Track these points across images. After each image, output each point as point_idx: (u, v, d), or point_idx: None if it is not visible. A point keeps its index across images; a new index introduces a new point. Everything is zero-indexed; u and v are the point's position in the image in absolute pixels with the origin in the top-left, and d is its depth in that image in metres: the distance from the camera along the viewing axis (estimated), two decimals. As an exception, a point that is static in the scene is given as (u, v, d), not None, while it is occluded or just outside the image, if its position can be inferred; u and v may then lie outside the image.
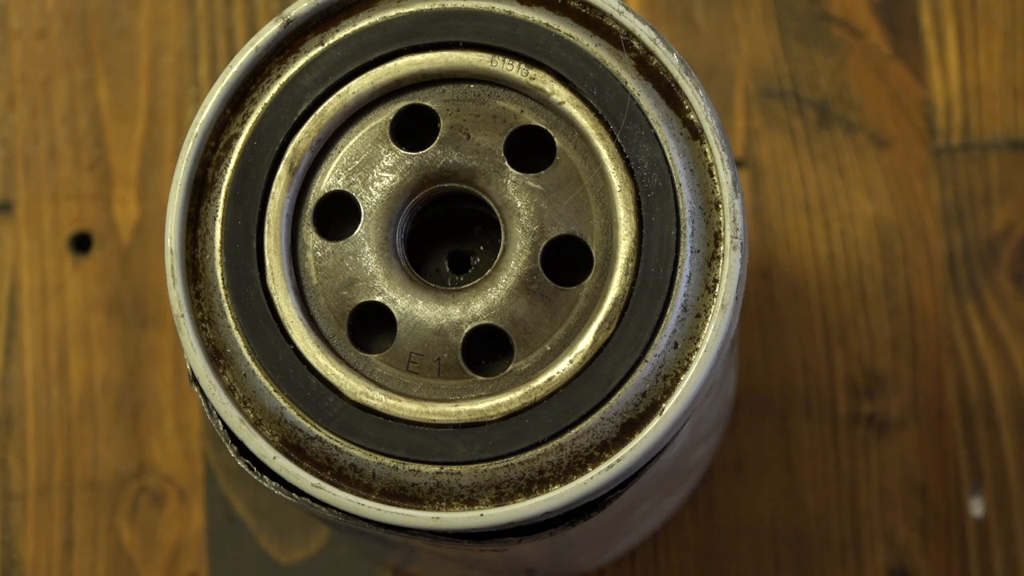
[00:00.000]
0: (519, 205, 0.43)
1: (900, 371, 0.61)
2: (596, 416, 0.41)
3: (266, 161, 0.43)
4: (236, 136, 0.43)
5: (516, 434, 0.41)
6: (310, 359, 0.42)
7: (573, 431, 0.41)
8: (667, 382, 0.41)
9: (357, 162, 0.43)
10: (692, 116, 0.42)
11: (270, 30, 0.43)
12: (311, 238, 0.43)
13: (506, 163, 0.43)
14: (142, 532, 0.61)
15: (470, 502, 0.41)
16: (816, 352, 0.62)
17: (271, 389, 0.42)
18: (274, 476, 0.41)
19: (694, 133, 0.42)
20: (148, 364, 0.62)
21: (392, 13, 0.44)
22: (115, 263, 0.63)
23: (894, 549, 0.60)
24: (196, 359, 0.42)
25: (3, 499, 0.62)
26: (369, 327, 0.43)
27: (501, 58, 0.43)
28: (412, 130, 0.44)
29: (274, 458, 0.41)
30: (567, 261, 0.43)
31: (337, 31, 0.44)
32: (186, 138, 0.43)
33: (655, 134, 0.42)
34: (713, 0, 0.64)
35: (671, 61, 0.43)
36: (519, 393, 0.41)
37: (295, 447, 0.41)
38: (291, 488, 0.41)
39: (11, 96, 0.65)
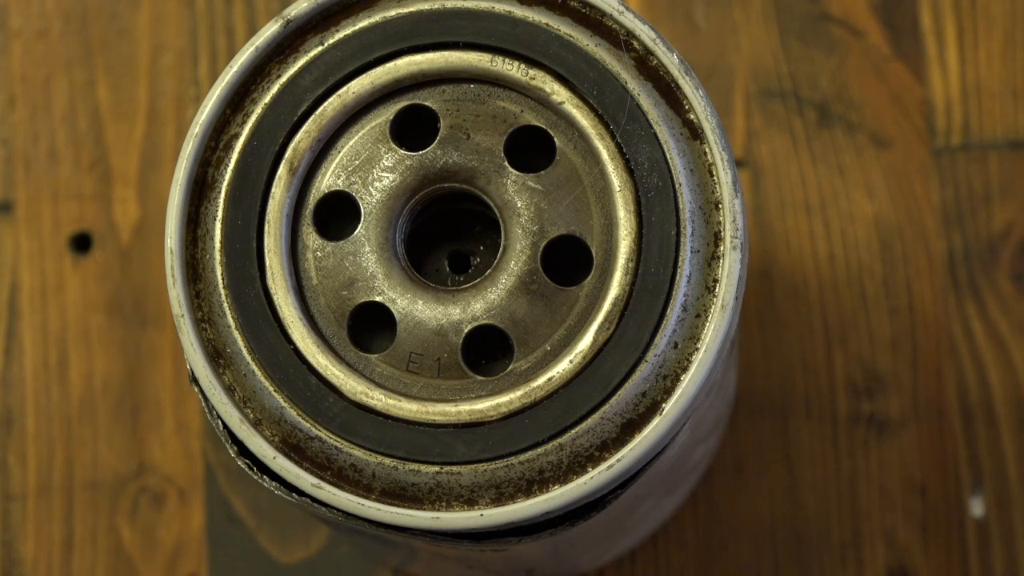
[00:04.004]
0: (519, 205, 0.43)
1: (900, 371, 0.61)
2: (596, 416, 0.41)
3: (266, 161, 0.43)
4: (236, 136, 0.43)
5: (516, 434, 0.41)
6: (310, 359, 0.42)
7: (573, 431, 0.41)
8: (667, 382, 0.41)
9: (357, 162, 0.43)
10: (692, 116, 0.42)
11: (270, 30, 0.43)
12: (311, 238, 0.43)
13: (506, 163, 0.43)
14: (142, 532, 0.61)
15: (470, 502, 0.41)
16: (816, 352, 0.62)
17: (271, 389, 0.42)
18: (274, 476, 0.41)
19: (694, 133, 0.42)
20: (148, 364, 0.62)
21: (392, 13, 0.44)
22: (115, 263, 0.63)
23: (894, 549, 0.60)
24: (196, 359, 0.42)
25: (3, 499, 0.62)
26: (369, 327, 0.43)
27: (501, 58, 0.43)
28: (412, 130, 0.44)
29: (274, 458, 0.41)
30: (567, 261, 0.43)
31: (337, 31, 0.44)
32: (186, 138, 0.43)
33: (655, 134, 0.42)
34: (713, 0, 0.64)
35: (671, 61, 0.43)
36: (519, 393, 0.41)
37: (295, 447, 0.41)
38: (291, 488, 0.41)
39: (11, 96, 0.65)
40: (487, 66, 0.43)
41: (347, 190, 0.43)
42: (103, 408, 0.62)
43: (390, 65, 0.43)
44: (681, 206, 0.42)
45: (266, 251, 0.42)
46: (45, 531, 0.61)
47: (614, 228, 0.42)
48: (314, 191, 0.43)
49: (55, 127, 0.64)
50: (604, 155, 0.42)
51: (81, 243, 0.64)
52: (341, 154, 0.44)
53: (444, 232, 0.46)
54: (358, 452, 0.41)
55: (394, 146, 0.43)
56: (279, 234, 0.43)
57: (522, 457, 0.41)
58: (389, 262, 0.43)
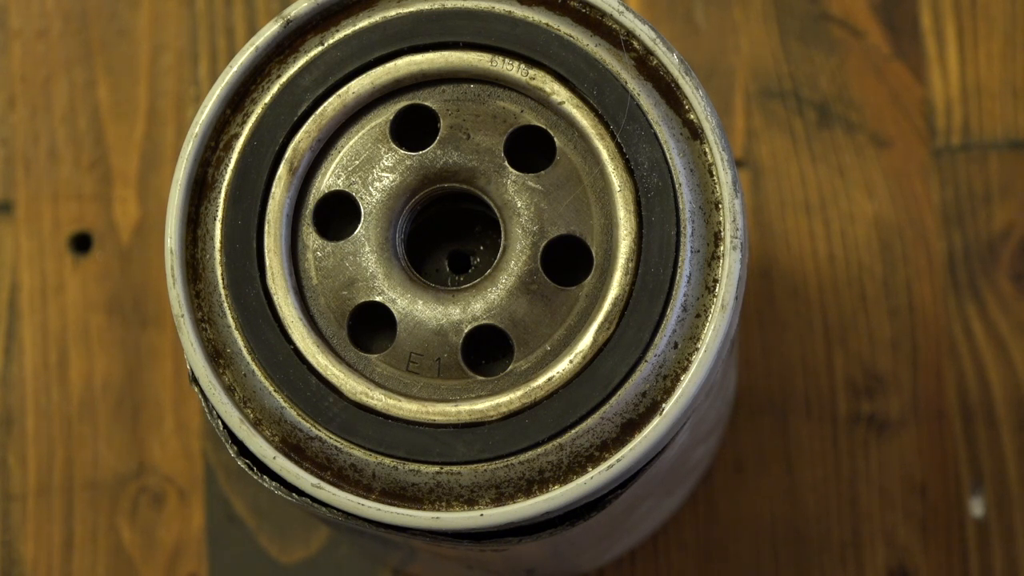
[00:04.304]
0: (519, 205, 0.43)
1: (900, 371, 0.61)
2: (596, 416, 0.41)
3: (266, 161, 0.43)
4: (236, 136, 0.43)
5: (516, 434, 0.41)
6: (310, 359, 0.42)
7: (573, 431, 0.41)
8: (667, 382, 0.41)
9: (357, 162, 0.43)
10: (692, 116, 0.42)
11: (270, 30, 0.43)
12: (311, 238, 0.43)
13: (506, 163, 0.43)
14: (142, 532, 0.61)
15: (470, 502, 0.41)
16: (816, 352, 0.62)
17: (271, 389, 0.42)
18: (274, 476, 0.41)
19: (694, 133, 0.42)
20: (148, 364, 0.62)
21: (392, 13, 0.44)
22: (115, 263, 0.63)
23: (894, 549, 0.60)
24: (196, 359, 0.42)
25: (3, 499, 0.62)
26: (369, 327, 0.43)
27: (501, 58, 0.43)
28: (412, 130, 0.44)
29: (274, 458, 0.41)
30: (567, 261, 0.43)
31: (337, 31, 0.44)
32: (186, 138, 0.43)
33: (655, 134, 0.42)
34: (713, 0, 0.64)
35: (671, 61, 0.43)
36: (519, 393, 0.41)
37: (295, 447, 0.41)
38: (291, 488, 0.41)
39: (11, 96, 0.65)
40: (487, 66, 0.43)
41: (347, 190, 0.43)
42: (103, 408, 0.62)
43: (390, 65, 0.43)
44: (681, 206, 0.42)
45: (266, 251, 0.42)
46: (45, 531, 0.61)
47: (614, 228, 0.42)
48: (314, 191, 0.43)
49: (55, 127, 0.64)
50: (604, 155, 0.42)
51: (81, 243, 0.64)
52: (341, 154, 0.44)
53: (444, 232, 0.46)
54: (358, 452, 0.41)
55: (394, 146, 0.43)
56: (279, 234, 0.43)
57: (522, 457, 0.41)
58: (389, 262, 0.43)
